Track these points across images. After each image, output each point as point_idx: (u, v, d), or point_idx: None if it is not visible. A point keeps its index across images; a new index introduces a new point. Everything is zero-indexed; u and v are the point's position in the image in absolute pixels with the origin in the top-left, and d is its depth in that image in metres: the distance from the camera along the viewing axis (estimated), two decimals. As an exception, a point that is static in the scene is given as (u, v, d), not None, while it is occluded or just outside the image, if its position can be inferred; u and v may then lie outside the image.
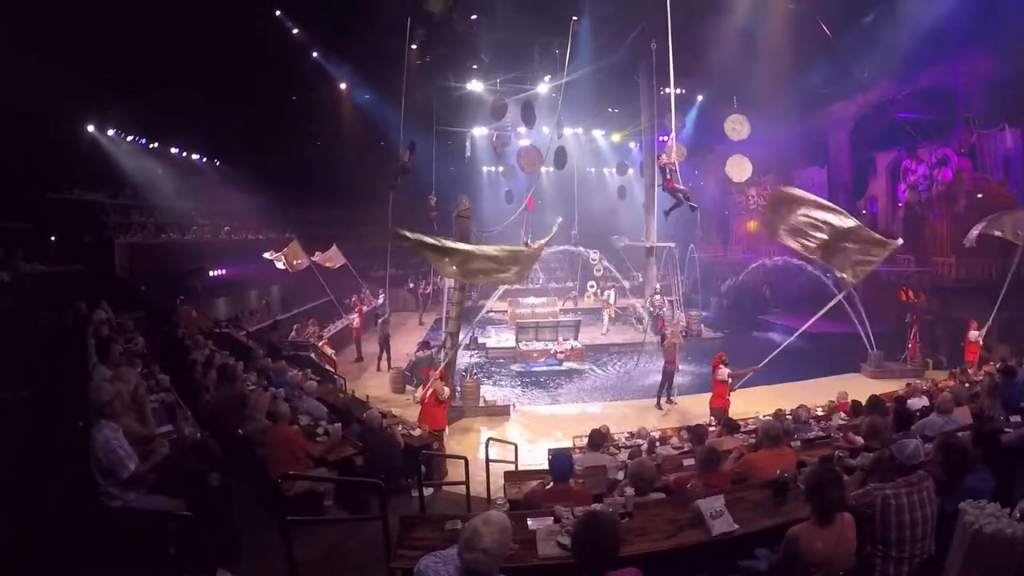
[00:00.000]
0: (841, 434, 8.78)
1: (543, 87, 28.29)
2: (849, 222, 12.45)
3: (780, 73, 25.71)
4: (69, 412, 5.19)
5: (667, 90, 26.14)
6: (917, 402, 9.85)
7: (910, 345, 19.78)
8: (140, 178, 24.72)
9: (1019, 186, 22.77)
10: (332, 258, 24.90)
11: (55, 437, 5.52)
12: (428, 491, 8.96)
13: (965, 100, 24.54)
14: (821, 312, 15.24)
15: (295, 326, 22.05)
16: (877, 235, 12.91)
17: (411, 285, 32.88)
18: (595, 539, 3.21)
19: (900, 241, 13.72)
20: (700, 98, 30.74)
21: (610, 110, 33.64)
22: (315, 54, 28.17)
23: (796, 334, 15.18)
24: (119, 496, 4.75)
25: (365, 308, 21.95)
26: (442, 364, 15.18)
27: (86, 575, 3.53)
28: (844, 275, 12.75)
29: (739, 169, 24.65)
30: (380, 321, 21.17)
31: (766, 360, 14.90)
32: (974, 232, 16.25)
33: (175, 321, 15.42)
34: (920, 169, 25.67)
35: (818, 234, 12.31)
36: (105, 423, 4.90)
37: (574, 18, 23.30)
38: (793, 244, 12.68)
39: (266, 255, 23.47)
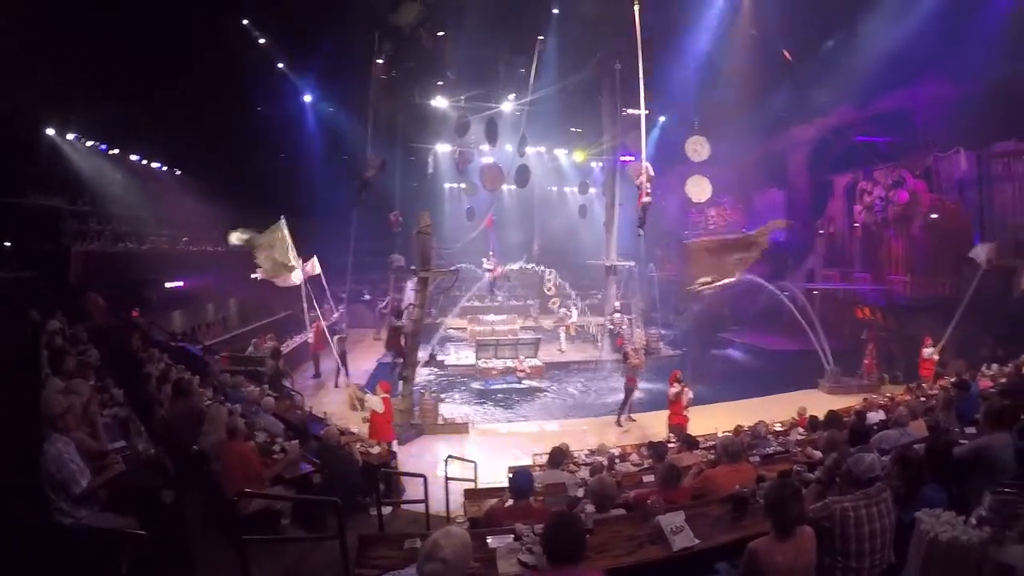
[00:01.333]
0: (799, 449, 8.95)
1: (507, 105, 28.39)
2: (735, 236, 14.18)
3: (741, 96, 26.24)
4: (21, 424, 5.05)
5: (629, 111, 26.53)
6: (874, 416, 10.05)
7: (866, 361, 20.24)
8: (99, 185, 24.22)
9: (973, 208, 23.42)
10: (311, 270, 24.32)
11: (6, 450, 5.37)
12: (387, 509, 8.92)
13: (923, 124, 25.30)
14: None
15: (253, 340, 21.76)
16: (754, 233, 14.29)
17: (367, 297, 32.65)
18: (565, 535, 3.33)
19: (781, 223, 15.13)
20: (662, 119, 31.12)
21: (573, 129, 33.87)
22: (281, 65, 27.98)
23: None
24: (70, 513, 4.62)
25: (323, 323, 21.71)
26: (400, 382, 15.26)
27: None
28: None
29: (699, 190, 24.98)
30: (337, 338, 20.98)
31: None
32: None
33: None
34: (877, 190, 26.27)
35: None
36: (57, 437, 4.78)
37: (540, 38, 23.51)
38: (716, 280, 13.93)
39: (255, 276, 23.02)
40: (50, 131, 22.35)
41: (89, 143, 24.29)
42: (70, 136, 23.24)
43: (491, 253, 28.80)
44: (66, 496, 4.62)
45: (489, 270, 27.87)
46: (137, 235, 25.00)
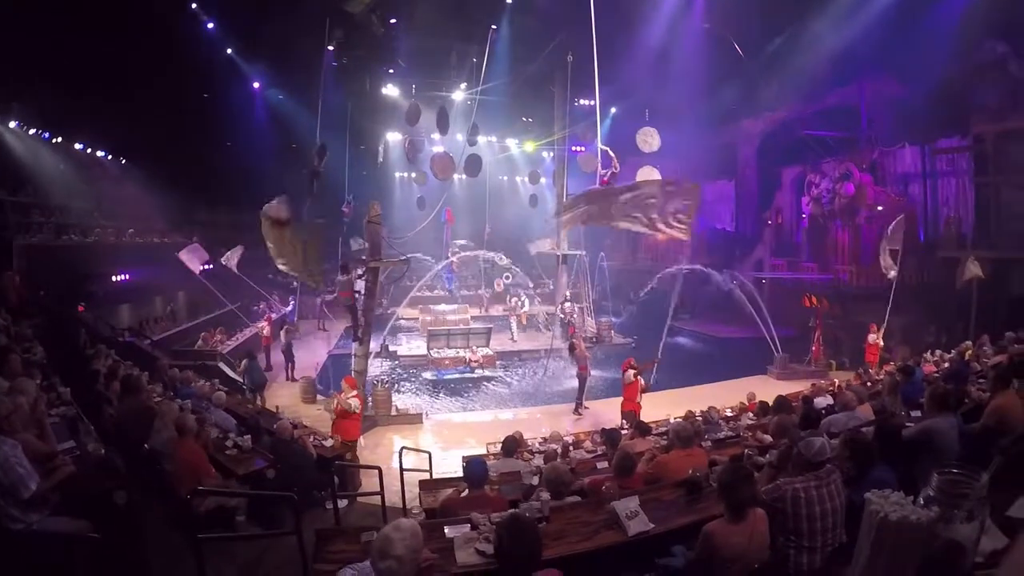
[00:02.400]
0: (750, 433, 9.15)
1: (459, 94, 28.34)
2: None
3: (692, 88, 26.51)
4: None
5: (581, 101, 26.63)
6: (822, 401, 10.27)
7: (814, 348, 20.74)
8: (42, 175, 23.34)
9: (917, 200, 24.24)
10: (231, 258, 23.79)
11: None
12: (343, 503, 8.91)
13: (868, 119, 25.98)
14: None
15: (201, 334, 21.42)
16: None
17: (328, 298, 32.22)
18: (519, 542, 3.24)
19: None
20: (613, 110, 31.29)
21: (524, 119, 33.90)
22: (229, 51, 27.43)
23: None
24: (20, 518, 4.50)
25: (274, 316, 21.45)
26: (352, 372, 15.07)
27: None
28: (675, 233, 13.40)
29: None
30: (283, 330, 20.74)
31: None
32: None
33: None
34: (824, 183, 26.88)
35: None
36: (3, 439, 4.62)
37: (493, 27, 23.46)
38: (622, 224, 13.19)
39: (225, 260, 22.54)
40: (-11, 119, 21.54)
41: (31, 131, 23.47)
42: (12, 124, 22.43)
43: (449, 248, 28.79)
44: (15, 501, 4.49)
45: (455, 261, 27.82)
46: (82, 227, 24.26)
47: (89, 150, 27.31)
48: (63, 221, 23.26)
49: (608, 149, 20.04)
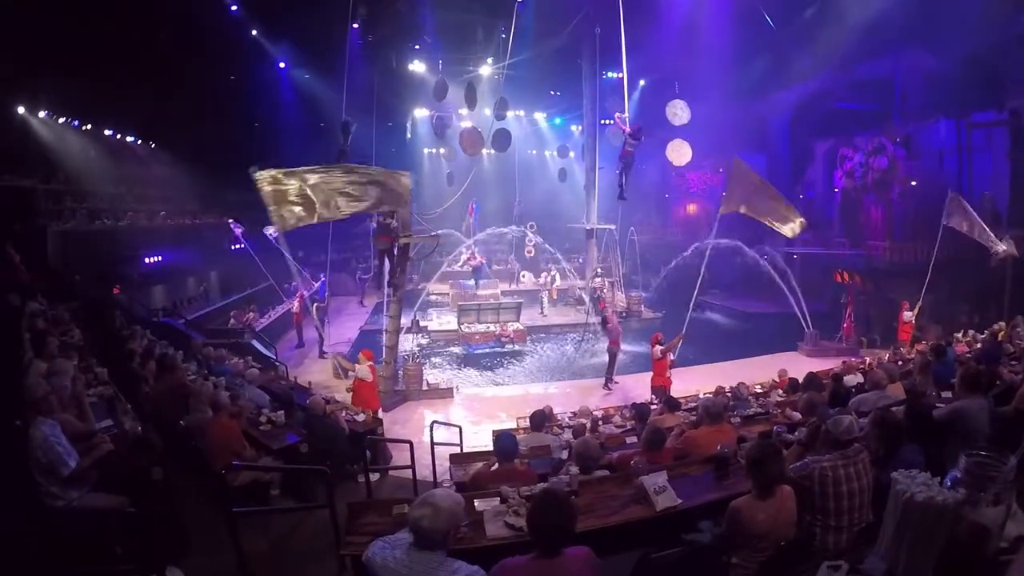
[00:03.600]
0: (779, 410, 9.04)
1: (486, 69, 28.19)
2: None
3: (721, 60, 26.08)
4: (4, 411, 5.05)
5: (610, 74, 26.36)
6: (852, 379, 10.07)
7: (845, 325, 20.34)
8: (73, 162, 23.76)
9: (951, 176, 23.43)
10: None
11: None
12: (374, 476, 8.99)
13: (902, 92, 25.27)
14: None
15: (232, 312, 21.69)
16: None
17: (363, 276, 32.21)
18: (552, 516, 3.23)
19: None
20: (642, 83, 30.95)
21: (552, 93, 33.66)
22: (254, 32, 27.51)
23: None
24: (61, 495, 4.64)
25: (305, 293, 21.60)
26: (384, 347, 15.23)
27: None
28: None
29: (679, 154, 24.83)
30: (315, 306, 20.90)
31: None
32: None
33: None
34: (856, 157, 26.42)
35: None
36: (42, 420, 4.75)
37: (518, 1, 23.25)
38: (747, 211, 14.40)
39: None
40: (20, 110, 21.84)
41: (61, 120, 23.82)
42: (42, 114, 22.76)
43: (471, 244, 28.73)
44: (55, 479, 4.62)
45: (469, 260, 27.70)
46: (114, 211, 24.70)
47: (119, 136, 27.64)
48: (95, 206, 23.65)
49: (624, 117, 19.76)
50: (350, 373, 13.18)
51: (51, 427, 4.76)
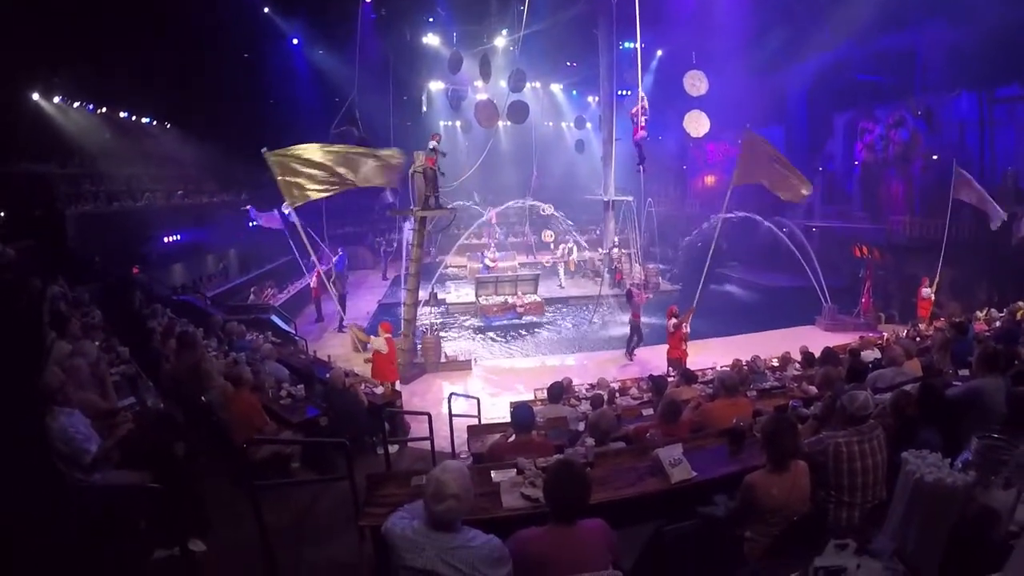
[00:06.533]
0: (795, 384, 9.03)
1: (500, 41, 27.98)
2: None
3: (740, 30, 25.74)
4: (27, 396, 5.13)
5: (626, 44, 26.06)
6: (870, 355, 9.98)
7: (863, 299, 20.27)
8: (89, 145, 23.91)
9: (973, 151, 23.06)
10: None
11: (15, 423, 5.45)
12: (393, 448, 9.07)
13: (923, 64, 24.78)
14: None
15: (252, 289, 21.84)
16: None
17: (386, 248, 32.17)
18: (568, 488, 3.27)
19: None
20: (660, 53, 30.62)
21: (568, 64, 33.38)
22: (266, 9, 27.44)
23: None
24: (85, 480, 4.67)
25: (323, 268, 21.69)
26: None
27: (59, 557, 3.54)
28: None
29: (697, 125, 24.57)
30: (332, 280, 20.95)
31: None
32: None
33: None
34: (877, 129, 26.03)
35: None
36: (59, 410, 4.75)
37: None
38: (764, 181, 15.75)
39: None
40: (35, 96, 21.96)
41: (76, 104, 23.91)
42: (56, 99, 22.88)
43: (492, 246, 28.64)
44: (77, 467, 4.65)
45: (490, 265, 27.66)
46: (131, 192, 24.88)
47: (134, 118, 27.69)
48: (113, 189, 23.84)
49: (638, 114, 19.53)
50: (368, 345, 13.32)
51: (68, 415, 4.76)
